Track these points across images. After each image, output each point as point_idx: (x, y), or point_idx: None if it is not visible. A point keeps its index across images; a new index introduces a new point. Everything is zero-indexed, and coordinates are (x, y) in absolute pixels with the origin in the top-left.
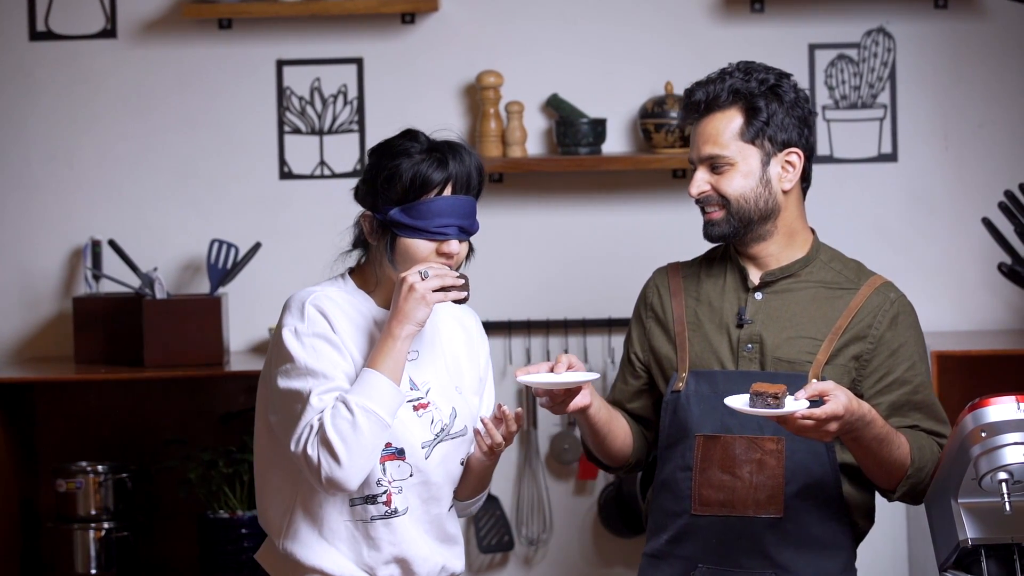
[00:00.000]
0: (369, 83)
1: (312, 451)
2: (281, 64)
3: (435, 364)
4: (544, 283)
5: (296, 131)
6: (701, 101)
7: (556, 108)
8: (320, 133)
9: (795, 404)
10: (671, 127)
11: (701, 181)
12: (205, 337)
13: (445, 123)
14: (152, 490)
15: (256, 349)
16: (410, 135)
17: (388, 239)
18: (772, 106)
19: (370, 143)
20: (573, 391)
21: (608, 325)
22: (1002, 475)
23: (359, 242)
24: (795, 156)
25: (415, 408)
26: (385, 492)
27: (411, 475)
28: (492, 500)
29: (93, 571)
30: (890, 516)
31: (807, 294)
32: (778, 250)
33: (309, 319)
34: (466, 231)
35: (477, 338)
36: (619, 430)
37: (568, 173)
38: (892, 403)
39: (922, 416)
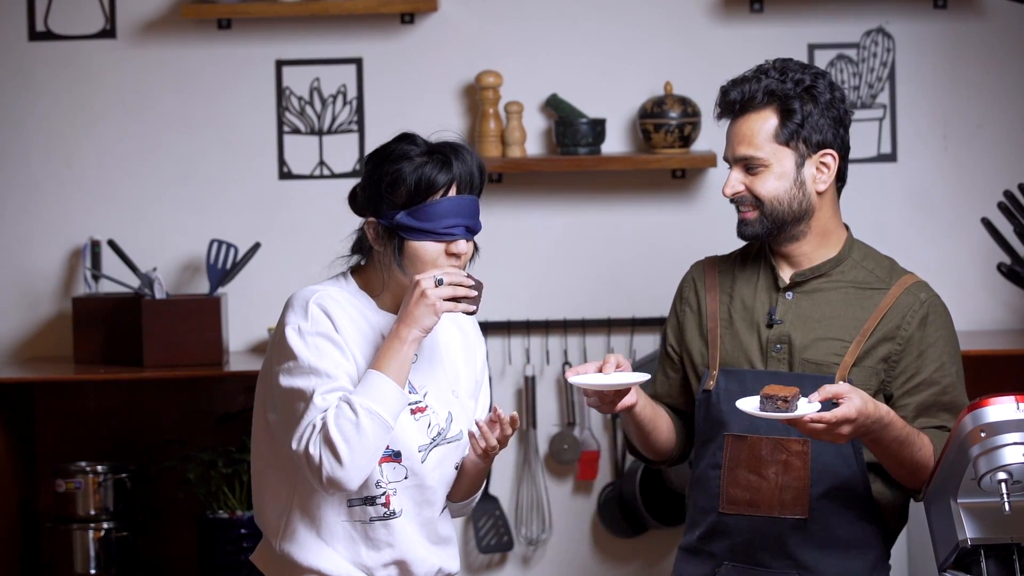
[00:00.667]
0: (368, 83)
1: (314, 450)
2: (280, 64)
3: (433, 368)
4: (544, 283)
5: (295, 131)
6: (736, 101)
7: (555, 108)
8: (319, 133)
9: (806, 407)
10: (670, 127)
11: (735, 181)
12: (204, 337)
13: (444, 123)
14: (151, 490)
15: (255, 349)
16: (407, 138)
17: (395, 243)
18: (807, 107)
19: (369, 143)
20: (622, 391)
21: (608, 325)
22: (1001, 475)
23: (359, 247)
24: (830, 157)
25: (412, 411)
26: (384, 494)
27: (406, 478)
28: (491, 500)
29: (92, 571)
30: None
31: (837, 294)
32: (811, 250)
33: (313, 318)
34: (472, 230)
35: (474, 341)
36: (663, 425)
37: (567, 173)
38: (920, 404)
39: (950, 417)
